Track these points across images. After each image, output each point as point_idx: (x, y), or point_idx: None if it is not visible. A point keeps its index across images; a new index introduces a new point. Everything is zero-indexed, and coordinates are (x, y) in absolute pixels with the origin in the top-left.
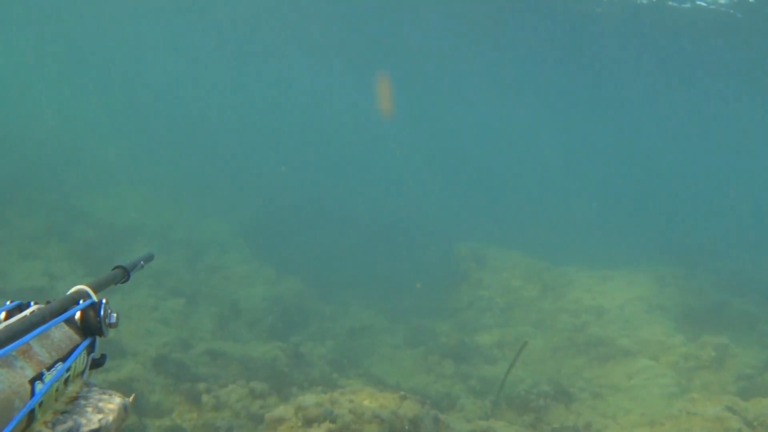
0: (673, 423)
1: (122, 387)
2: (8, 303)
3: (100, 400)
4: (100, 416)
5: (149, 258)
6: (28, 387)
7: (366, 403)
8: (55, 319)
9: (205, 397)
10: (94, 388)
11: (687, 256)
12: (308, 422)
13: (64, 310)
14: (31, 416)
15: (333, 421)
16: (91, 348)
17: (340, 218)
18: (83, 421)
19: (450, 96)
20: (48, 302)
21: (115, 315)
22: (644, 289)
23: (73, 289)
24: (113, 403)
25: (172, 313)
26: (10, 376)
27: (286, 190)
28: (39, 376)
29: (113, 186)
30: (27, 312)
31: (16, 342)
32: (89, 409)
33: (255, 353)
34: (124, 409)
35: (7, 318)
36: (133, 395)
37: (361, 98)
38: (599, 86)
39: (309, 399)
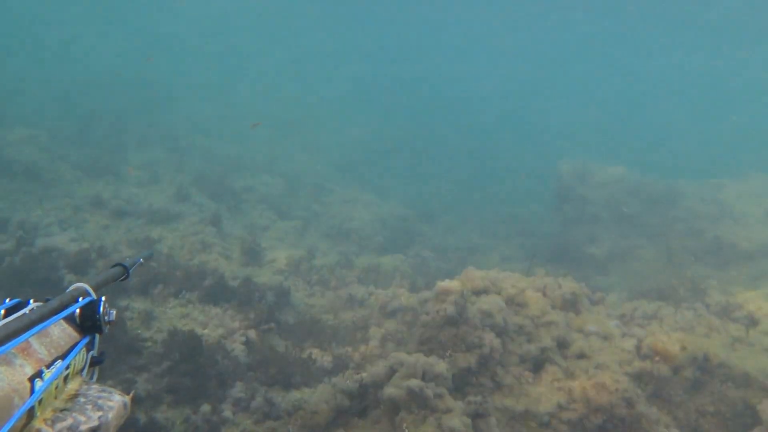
0: None
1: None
2: (7, 300)
3: (99, 397)
4: (99, 413)
5: (149, 256)
6: (28, 385)
7: (524, 281)
8: (55, 317)
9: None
10: (94, 386)
11: None
12: (477, 293)
13: (64, 308)
14: (30, 413)
15: (499, 293)
16: (90, 346)
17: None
18: (83, 418)
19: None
20: (47, 300)
21: (114, 312)
22: (761, 195)
23: (72, 287)
24: (113, 400)
25: (286, 233)
26: (10, 374)
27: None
28: (38, 374)
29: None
30: (26, 309)
31: (16, 339)
32: (89, 407)
33: (375, 264)
34: (124, 406)
35: (6, 315)
36: (132, 392)
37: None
38: None
39: (475, 273)
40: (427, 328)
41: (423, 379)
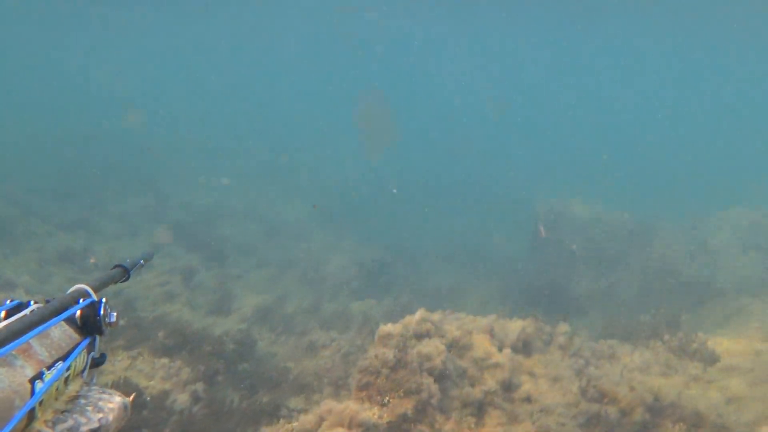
0: None
1: (230, 337)
2: (8, 302)
3: (100, 399)
4: (100, 415)
5: (149, 257)
6: (28, 386)
7: (471, 323)
8: (55, 318)
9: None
10: (94, 387)
11: None
12: (419, 337)
13: (64, 309)
14: (31, 415)
15: (443, 336)
16: (91, 347)
17: (417, 188)
18: (83, 420)
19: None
20: (48, 301)
21: (114, 314)
22: (737, 231)
23: (73, 288)
24: (113, 402)
25: (260, 281)
26: (11, 375)
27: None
28: (39, 375)
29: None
30: (27, 311)
31: (16, 341)
32: (89, 408)
33: (347, 310)
34: (124, 408)
35: (7, 317)
36: (133, 394)
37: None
38: None
39: (418, 316)
40: (365, 373)
41: (349, 427)
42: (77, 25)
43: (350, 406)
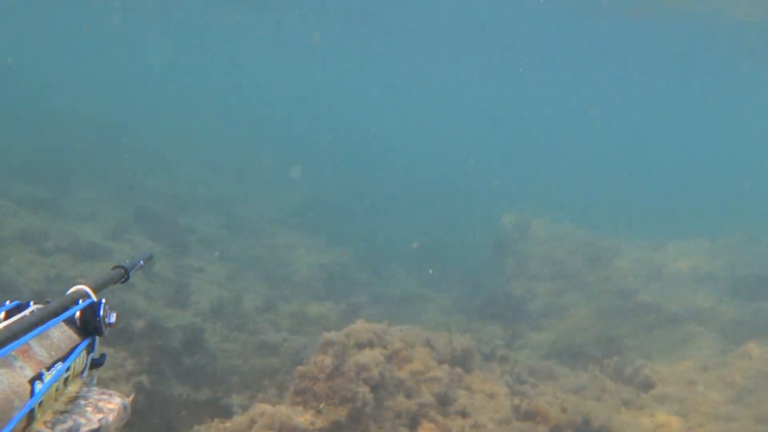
0: (726, 368)
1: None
2: (7, 303)
3: (99, 399)
4: (100, 416)
5: (149, 258)
6: (28, 387)
7: (414, 336)
8: (55, 319)
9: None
10: (94, 388)
11: (740, 228)
12: (360, 346)
13: (64, 310)
14: (30, 416)
15: (384, 347)
16: (90, 348)
17: (386, 198)
18: (83, 420)
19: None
20: (47, 302)
21: (114, 315)
22: (695, 259)
23: (72, 289)
24: (113, 402)
25: (221, 275)
26: (10, 376)
27: (331, 175)
28: (38, 376)
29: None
30: (26, 312)
31: (16, 342)
32: (89, 409)
33: (304, 311)
34: (124, 408)
35: (6, 318)
36: (133, 395)
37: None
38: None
39: (361, 325)
40: (303, 378)
41: (280, 431)
42: None
43: (282, 410)
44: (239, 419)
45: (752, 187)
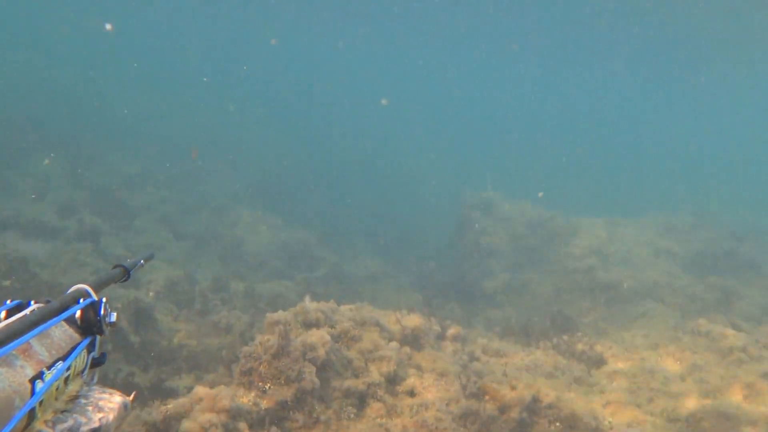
0: (677, 345)
1: (132, 308)
2: (8, 302)
3: (100, 398)
4: (100, 415)
5: (150, 257)
6: (29, 386)
7: (365, 314)
8: (55, 318)
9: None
10: (95, 387)
11: (695, 206)
12: (307, 326)
13: (65, 309)
14: (31, 415)
15: (332, 326)
16: (91, 347)
17: (347, 175)
18: (83, 419)
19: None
20: (48, 301)
21: (114, 314)
22: (652, 235)
23: (73, 288)
24: (113, 401)
25: (177, 254)
26: (11, 375)
27: (291, 152)
28: (39, 375)
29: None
30: (27, 311)
31: (17, 341)
32: (89, 408)
33: (261, 290)
34: (125, 407)
35: (7, 317)
36: (134, 393)
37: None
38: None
39: (310, 305)
40: (249, 359)
41: (221, 412)
42: None
43: (223, 391)
44: (180, 401)
45: (704, 168)
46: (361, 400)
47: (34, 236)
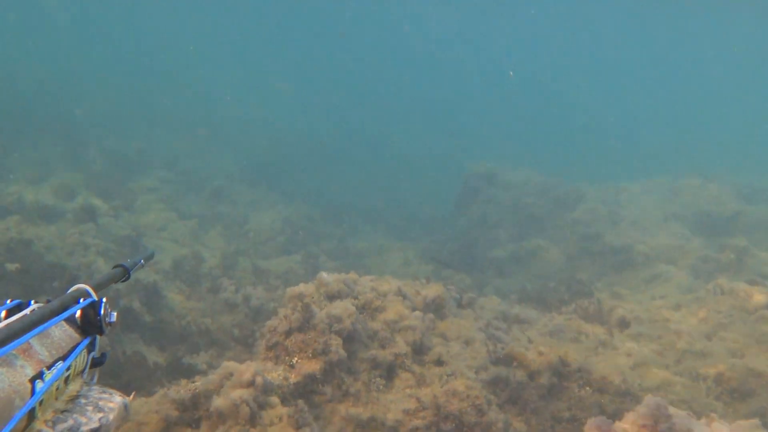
0: (700, 304)
1: (142, 290)
2: (8, 302)
3: (100, 398)
4: (100, 415)
5: (150, 256)
6: (29, 386)
7: (385, 285)
8: (56, 318)
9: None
10: (95, 387)
11: (701, 167)
12: (330, 298)
13: (65, 309)
14: (31, 415)
15: (355, 298)
16: (91, 347)
17: (346, 153)
18: (83, 419)
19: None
20: (48, 301)
21: (115, 314)
22: (659, 199)
23: (73, 288)
24: (113, 401)
25: (182, 233)
26: (11, 375)
27: (289, 132)
28: (39, 375)
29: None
30: (27, 311)
31: (17, 341)
32: (89, 408)
33: (268, 266)
34: (125, 407)
35: (7, 317)
36: (133, 393)
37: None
38: None
39: (331, 276)
40: (274, 333)
41: (252, 387)
42: None
43: (253, 366)
44: (209, 378)
45: (708, 131)
46: (389, 371)
47: (38, 219)
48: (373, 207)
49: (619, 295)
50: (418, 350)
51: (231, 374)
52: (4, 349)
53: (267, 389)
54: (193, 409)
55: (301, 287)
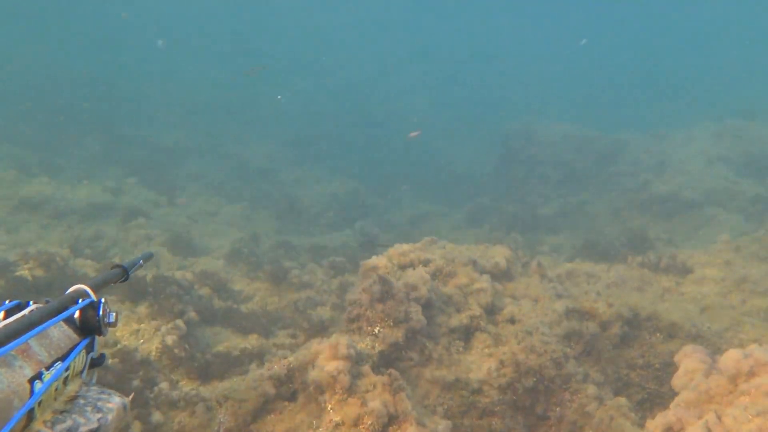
0: (760, 244)
1: (206, 279)
2: (7, 302)
3: (99, 399)
4: (99, 415)
5: (148, 257)
6: (27, 386)
7: (453, 251)
8: (54, 319)
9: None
10: (93, 388)
11: (741, 109)
12: (403, 267)
13: (63, 310)
14: (30, 415)
15: (425, 265)
16: (90, 347)
17: (381, 128)
18: (82, 420)
19: None
20: (47, 301)
21: (114, 314)
22: (702, 143)
23: (72, 289)
24: (112, 402)
25: (233, 217)
26: (9, 376)
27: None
28: (38, 376)
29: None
30: (26, 311)
31: (16, 341)
32: (88, 409)
33: (322, 241)
34: (123, 408)
35: (6, 317)
36: (132, 394)
37: None
38: None
39: (400, 248)
40: (355, 306)
41: (345, 359)
42: None
43: (345, 338)
44: (301, 353)
45: (744, 69)
46: (467, 333)
47: (95, 216)
48: (415, 173)
49: (675, 242)
50: (491, 311)
51: (324, 345)
52: (3, 349)
53: (360, 359)
54: (288, 383)
55: (374, 260)
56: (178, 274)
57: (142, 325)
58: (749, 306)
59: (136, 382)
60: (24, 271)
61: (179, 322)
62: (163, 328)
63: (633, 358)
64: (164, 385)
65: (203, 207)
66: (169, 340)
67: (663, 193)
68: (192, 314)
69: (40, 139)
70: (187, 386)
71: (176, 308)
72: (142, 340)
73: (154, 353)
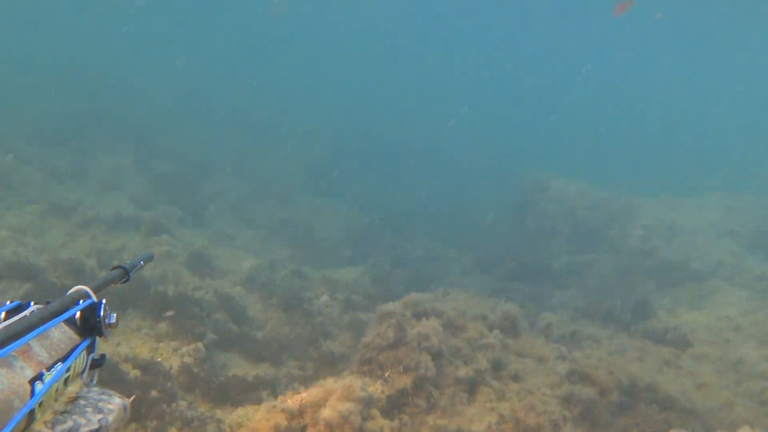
0: (761, 328)
1: (225, 302)
2: (8, 303)
3: (99, 400)
4: (99, 416)
5: (149, 258)
6: (28, 387)
7: (465, 304)
8: (55, 320)
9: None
10: (94, 388)
11: (748, 185)
12: (417, 316)
13: (64, 311)
14: (30, 416)
15: (439, 316)
16: (90, 348)
17: (405, 160)
18: (83, 421)
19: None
20: (48, 302)
21: (114, 315)
22: (713, 215)
23: (73, 290)
24: (113, 403)
25: (251, 242)
26: (10, 377)
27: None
28: (39, 377)
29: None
30: (27, 312)
31: (16, 342)
32: (89, 410)
33: (335, 276)
34: (124, 409)
35: (6, 318)
36: (132, 396)
37: None
38: None
39: (416, 297)
40: (368, 348)
41: (356, 401)
42: None
43: (356, 382)
44: (313, 391)
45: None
46: (471, 387)
47: (120, 228)
48: (428, 214)
49: (677, 313)
50: (497, 366)
51: (335, 386)
52: (4, 350)
53: (370, 402)
54: (299, 417)
55: (390, 306)
56: (199, 294)
57: (161, 344)
58: (744, 387)
59: (154, 393)
60: (53, 278)
61: (200, 345)
62: (184, 349)
63: (628, 426)
64: (182, 404)
65: (224, 229)
66: (189, 360)
67: (671, 261)
68: (212, 336)
69: (71, 143)
70: (201, 407)
71: (197, 330)
72: (160, 359)
73: (174, 370)
